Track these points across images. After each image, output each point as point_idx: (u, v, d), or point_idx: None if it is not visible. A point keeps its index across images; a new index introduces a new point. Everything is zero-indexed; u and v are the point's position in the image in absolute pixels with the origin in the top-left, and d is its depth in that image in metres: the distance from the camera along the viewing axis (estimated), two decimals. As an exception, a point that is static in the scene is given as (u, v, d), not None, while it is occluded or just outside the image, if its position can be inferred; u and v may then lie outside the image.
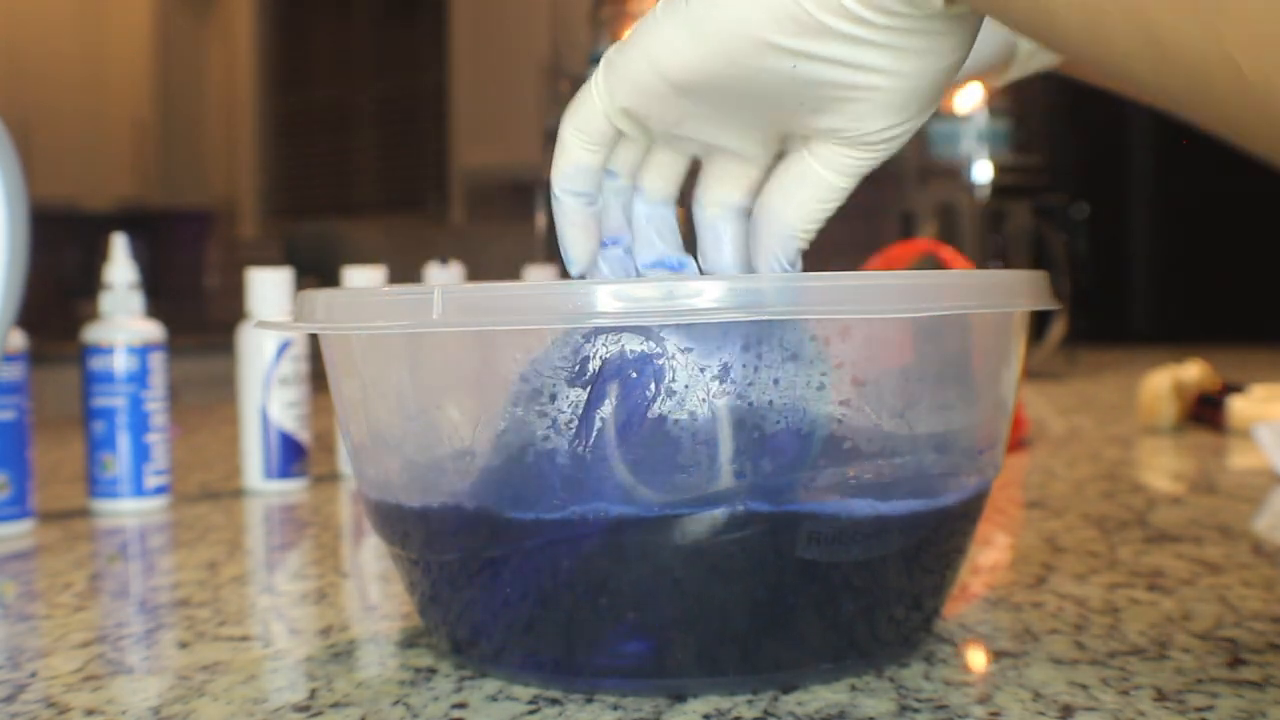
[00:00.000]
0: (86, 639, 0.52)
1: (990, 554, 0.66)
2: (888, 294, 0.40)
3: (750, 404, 0.40)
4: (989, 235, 1.76)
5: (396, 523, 0.46)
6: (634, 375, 0.40)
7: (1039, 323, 1.72)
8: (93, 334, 0.79)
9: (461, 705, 0.42)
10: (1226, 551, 0.64)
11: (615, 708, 0.42)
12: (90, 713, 0.43)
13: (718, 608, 0.42)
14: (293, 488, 0.87)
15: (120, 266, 0.80)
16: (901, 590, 0.45)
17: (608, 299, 0.39)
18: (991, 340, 0.46)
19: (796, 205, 0.42)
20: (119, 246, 0.80)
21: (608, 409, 0.40)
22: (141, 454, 0.79)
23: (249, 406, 0.86)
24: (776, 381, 0.40)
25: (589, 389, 0.40)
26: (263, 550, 0.74)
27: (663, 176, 0.46)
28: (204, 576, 0.63)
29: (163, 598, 0.60)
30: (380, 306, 0.42)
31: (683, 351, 0.40)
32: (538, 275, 1.08)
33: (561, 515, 0.41)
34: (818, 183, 0.42)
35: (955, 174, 1.75)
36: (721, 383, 0.40)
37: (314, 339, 0.83)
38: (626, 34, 0.42)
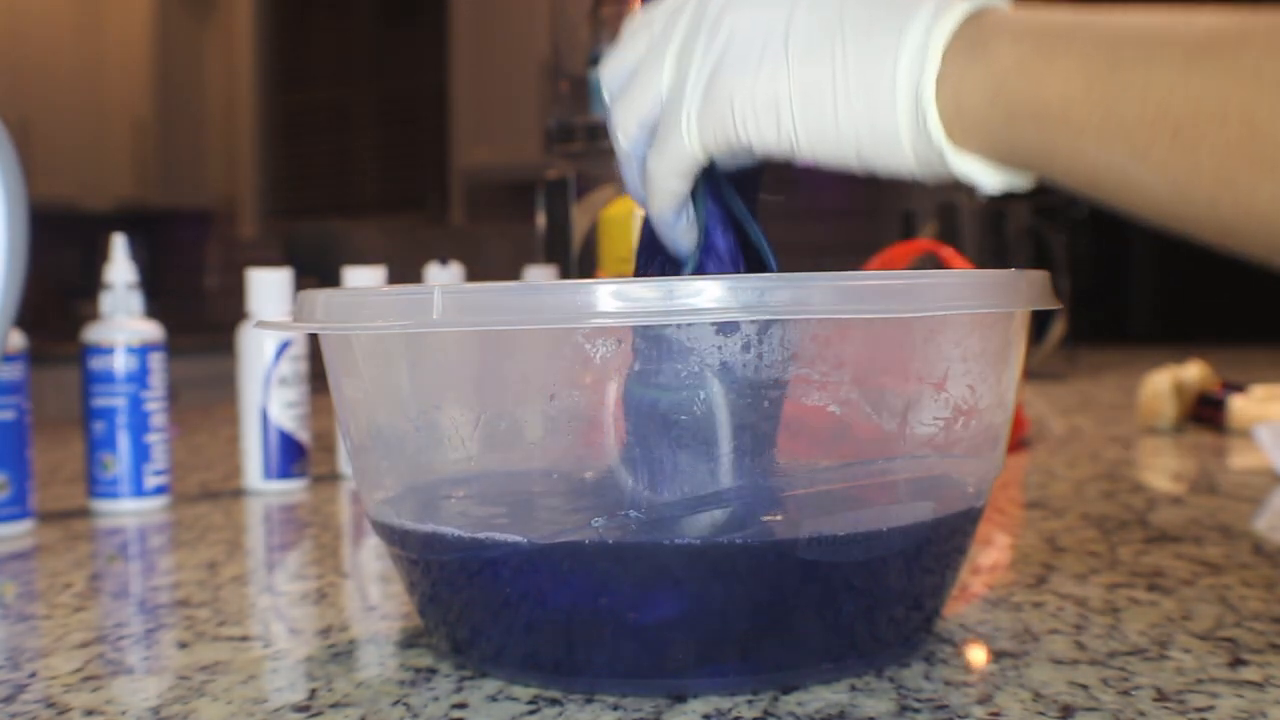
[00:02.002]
0: (86, 639, 0.52)
1: (990, 554, 0.66)
2: (888, 294, 0.40)
3: (750, 404, 0.40)
4: (989, 235, 1.76)
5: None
6: (633, 375, 0.40)
7: (1039, 323, 1.72)
8: (93, 334, 0.79)
9: (461, 705, 0.42)
10: (1226, 551, 0.64)
11: (615, 708, 0.42)
12: (90, 713, 0.43)
13: (718, 608, 0.42)
14: (292, 488, 0.87)
15: (120, 266, 0.80)
16: (902, 591, 0.45)
17: (608, 299, 0.39)
18: (992, 340, 0.46)
19: None
20: (119, 246, 0.80)
21: (608, 408, 0.40)
22: (141, 454, 0.79)
23: (249, 406, 0.86)
24: (776, 381, 0.40)
25: (589, 388, 0.40)
26: (263, 550, 0.74)
27: None
28: (204, 576, 0.63)
29: (162, 598, 0.60)
30: (380, 306, 0.42)
31: (683, 351, 0.40)
32: (538, 275, 1.08)
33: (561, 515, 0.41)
34: None
35: (955, 174, 1.75)
36: (722, 382, 0.40)
37: (314, 339, 0.83)
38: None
